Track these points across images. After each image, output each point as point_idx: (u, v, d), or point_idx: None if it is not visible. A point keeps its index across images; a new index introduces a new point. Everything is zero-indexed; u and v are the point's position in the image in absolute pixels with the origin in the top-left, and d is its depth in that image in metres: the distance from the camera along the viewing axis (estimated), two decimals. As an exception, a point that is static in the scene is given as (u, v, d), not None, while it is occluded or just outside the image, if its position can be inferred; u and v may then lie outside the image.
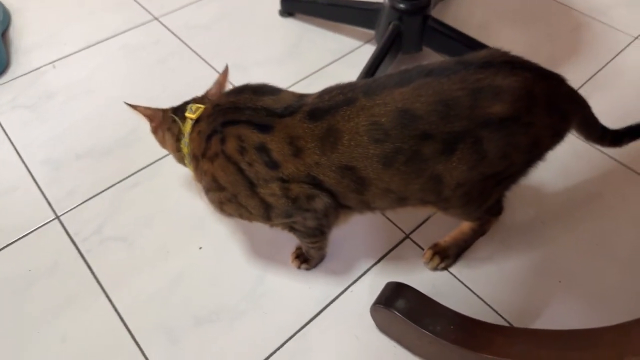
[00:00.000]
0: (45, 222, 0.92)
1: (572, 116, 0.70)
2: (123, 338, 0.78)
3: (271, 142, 0.66)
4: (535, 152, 0.68)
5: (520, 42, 1.24)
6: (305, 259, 0.85)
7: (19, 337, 0.79)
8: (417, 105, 0.61)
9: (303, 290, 0.84)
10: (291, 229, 0.76)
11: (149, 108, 0.79)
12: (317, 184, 0.67)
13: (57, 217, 0.93)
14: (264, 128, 0.66)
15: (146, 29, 1.31)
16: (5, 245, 0.89)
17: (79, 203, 0.95)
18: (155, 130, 0.81)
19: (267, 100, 0.69)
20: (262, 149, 0.66)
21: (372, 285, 0.83)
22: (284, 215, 0.71)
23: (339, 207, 0.71)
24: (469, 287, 0.83)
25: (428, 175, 0.64)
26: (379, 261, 0.87)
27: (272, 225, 0.77)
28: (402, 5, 1.10)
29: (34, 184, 0.99)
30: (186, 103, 0.78)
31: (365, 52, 1.22)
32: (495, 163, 0.64)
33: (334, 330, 0.79)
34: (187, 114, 0.75)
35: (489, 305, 0.81)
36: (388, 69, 1.13)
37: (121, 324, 0.80)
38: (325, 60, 1.22)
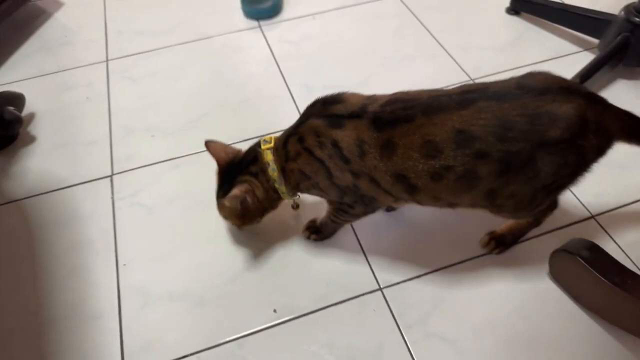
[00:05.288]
0: (296, 125, 1.22)
1: (616, 136, 0.74)
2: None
3: (342, 141, 0.74)
4: (581, 167, 0.75)
5: None
6: (316, 231, 0.97)
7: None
8: (475, 128, 0.67)
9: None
10: (345, 208, 0.87)
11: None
12: (377, 183, 0.77)
13: (305, 125, 1.22)
14: (336, 124, 0.75)
15: (388, 2, 1.57)
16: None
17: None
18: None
19: (335, 108, 0.78)
20: (336, 145, 0.75)
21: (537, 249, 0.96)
22: (353, 199, 0.82)
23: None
24: None
25: (481, 189, 0.73)
26: (552, 231, 0.99)
27: (338, 202, 0.87)
28: (637, 19, 1.18)
29: (290, 97, 1.30)
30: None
31: (582, 58, 1.30)
32: (545, 178, 0.71)
33: (509, 267, 0.94)
34: (263, 147, 0.85)
35: None
36: (604, 77, 1.22)
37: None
38: (542, 56, 1.35)
